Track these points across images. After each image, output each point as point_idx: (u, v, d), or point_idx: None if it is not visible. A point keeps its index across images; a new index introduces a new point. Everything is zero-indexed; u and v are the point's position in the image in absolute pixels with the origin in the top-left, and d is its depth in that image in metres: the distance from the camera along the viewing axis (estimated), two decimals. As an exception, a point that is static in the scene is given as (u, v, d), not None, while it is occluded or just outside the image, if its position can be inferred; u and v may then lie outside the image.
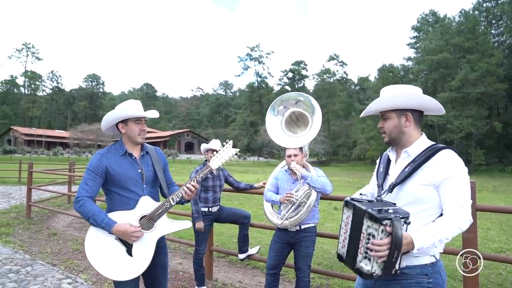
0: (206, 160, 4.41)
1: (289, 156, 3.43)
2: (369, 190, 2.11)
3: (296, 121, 3.67)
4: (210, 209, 4.24)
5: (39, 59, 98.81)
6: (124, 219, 2.31)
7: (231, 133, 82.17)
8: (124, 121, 2.44)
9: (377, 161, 2.06)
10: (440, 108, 1.83)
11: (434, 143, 1.80)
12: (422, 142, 1.82)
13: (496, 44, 53.19)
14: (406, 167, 1.76)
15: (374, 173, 2.05)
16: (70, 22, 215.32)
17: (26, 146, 63.45)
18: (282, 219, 3.38)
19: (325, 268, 5.12)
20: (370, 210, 1.56)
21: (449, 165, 1.69)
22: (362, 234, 1.59)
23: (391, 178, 1.84)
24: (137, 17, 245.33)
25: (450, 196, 1.65)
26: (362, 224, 1.59)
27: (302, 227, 3.39)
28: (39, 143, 68.24)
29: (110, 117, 2.44)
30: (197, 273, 4.20)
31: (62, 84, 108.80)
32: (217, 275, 4.91)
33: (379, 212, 1.54)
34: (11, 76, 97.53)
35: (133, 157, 2.47)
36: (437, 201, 1.70)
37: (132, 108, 2.45)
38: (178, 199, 2.40)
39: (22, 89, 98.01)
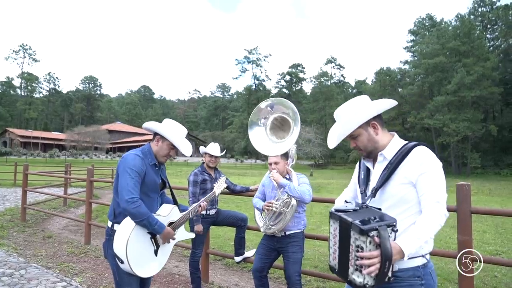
0: (203, 163, 4.41)
1: (270, 164, 3.41)
2: (350, 194, 2.11)
3: (280, 126, 3.58)
4: (208, 212, 4.23)
5: (36, 60, 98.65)
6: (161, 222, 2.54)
7: (229, 136, 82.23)
8: (163, 138, 2.59)
9: (356, 168, 2.07)
10: (393, 102, 1.88)
11: (407, 142, 1.83)
12: (395, 143, 1.85)
13: (491, 48, 53.66)
14: (384, 169, 1.80)
15: (355, 179, 2.06)
16: (67, 24, 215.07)
17: (22, 148, 63.15)
18: (265, 227, 3.38)
19: (321, 271, 5.11)
20: (356, 222, 1.53)
21: (423, 161, 1.72)
22: (351, 247, 1.56)
23: (372, 183, 1.85)
24: (135, 19, 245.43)
25: (426, 191, 1.68)
26: (349, 236, 1.56)
27: (287, 233, 3.33)
28: (35, 145, 67.90)
29: (156, 127, 2.59)
30: (194, 276, 4.18)
31: (59, 86, 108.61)
32: (213, 278, 4.89)
33: (364, 224, 1.51)
34: (7, 77, 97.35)
35: (157, 168, 2.64)
36: (417, 198, 1.73)
37: (178, 137, 2.62)
38: (195, 213, 2.85)
39: (18, 91, 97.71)
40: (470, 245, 2.78)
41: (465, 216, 2.82)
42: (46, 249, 6.10)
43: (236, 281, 4.85)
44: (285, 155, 3.43)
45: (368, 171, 1.93)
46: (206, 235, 4.56)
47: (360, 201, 1.87)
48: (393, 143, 1.84)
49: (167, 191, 2.87)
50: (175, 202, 2.80)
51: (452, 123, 43.30)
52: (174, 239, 2.62)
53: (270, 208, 3.28)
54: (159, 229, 2.45)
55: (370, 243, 1.49)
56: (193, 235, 2.94)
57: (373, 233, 1.49)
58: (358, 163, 2.06)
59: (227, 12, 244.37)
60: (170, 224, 2.63)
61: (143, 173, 2.48)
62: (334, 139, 1.92)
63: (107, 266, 5.23)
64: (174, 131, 2.61)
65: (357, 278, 1.55)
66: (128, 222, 2.42)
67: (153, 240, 2.54)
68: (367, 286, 1.52)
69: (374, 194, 1.78)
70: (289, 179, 3.37)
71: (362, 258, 1.50)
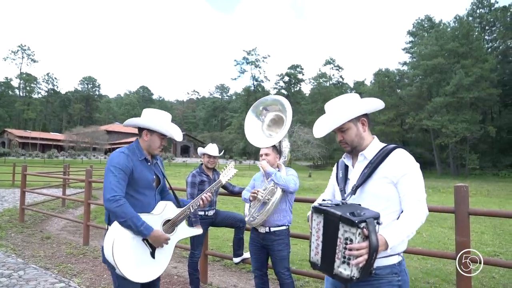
0: (201, 164, 4.42)
1: (261, 155, 3.48)
2: (328, 197, 2.15)
3: (275, 123, 3.70)
4: (207, 212, 4.23)
5: (34, 61, 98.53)
6: (152, 222, 2.36)
7: (227, 137, 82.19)
8: (150, 131, 2.48)
9: (334, 169, 2.12)
10: (382, 103, 1.96)
11: (386, 144, 1.92)
12: (375, 145, 1.93)
13: (489, 49, 53.87)
14: (365, 168, 1.86)
15: (333, 180, 2.11)
16: (66, 25, 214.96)
17: (20, 148, 63.02)
18: (249, 217, 3.40)
19: (319, 272, 5.11)
20: (345, 214, 1.56)
21: (403, 162, 1.81)
22: (338, 240, 1.58)
23: (352, 181, 1.90)
24: (134, 20, 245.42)
25: (408, 191, 1.77)
26: (337, 229, 1.58)
27: (272, 229, 3.32)
28: (34, 146, 67.83)
29: (139, 122, 2.49)
30: (192, 277, 4.19)
31: (57, 87, 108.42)
32: (212, 279, 4.89)
33: (353, 216, 1.55)
34: (6, 78, 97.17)
35: (149, 163, 2.53)
36: (397, 197, 1.80)
37: (166, 124, 2.51)
38: (196, 207, 2.60)
39: (17, 91, 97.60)
40: (468, 246, 2.79)
41: (463, 218, 2.83)
42: (45, 250, 6.10)
43: (234, 282, 4.85)
44: (277, 149, 3.50)
45: (346, 169, 1.99)
46: (205, 236, 4.57)
47: (339, 199, 1.91)
48: (373, 145, 1.93)
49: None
50: (175, 199, 2.70)
51: (451, 124, 43.40)
52: (166, 242, 2.38)
53: (256, 195, 3.32)
54: (145, 231, 2.25)
55: (359, 235, 1.53)
56: (200, 231, 2.76)
57: (363, 224, 1.53)
58: (336, 165, 2.11)
59: (226, 13, 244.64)
60: (166, 222, 2.47)
61: (128, 170, 2.35)
62: (323, 129, 1.94)
63: (105, 267, 5.22)
64: (159, 120, 2.50)
65: (344, 271, 1.57)
66: (116, 223, 2.28)
67: (146, 241, 2.35)
68: (354, 278, 1.56)
69: (354, 191, 1.84)
70: (278, 171, 3.40)
71: (351, 250, 1.53)
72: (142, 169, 2.45)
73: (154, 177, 2.55)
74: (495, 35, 54.95)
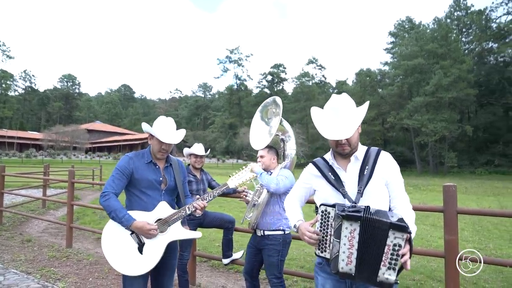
0: (189, 165, 4.37)
1: (257, 157, 3.49)
2: (299, 200, 2.18)
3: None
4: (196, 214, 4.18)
5: (10, 57, 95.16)
6: (142, 218, 2.49)
7: (210, 136, 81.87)
8: (151, 135, 2.65)
9: (310, 172, 2.08)
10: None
11: (367, 146, 2.02)
12: (361, 146, 2.01)
13: (466, 51, 55.27)
14: (363, 170, 1.90)
15: (308, 183, 2.09)
16: (44, 20, 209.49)
17: (-4, 148, 61.08)
18: (243, 218, 3.48)
19: (307, 271, 5.14)
20: (395, 221, 1.57)
21: (392, 164, 1.95)
22: (387, 247, 1.58)
23: (350, 183, 1.91)
24: (116, 17, 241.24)
25: (399, 192, 1.92)
26: (387, 236, 1.58)
27: (266, 233, 3.29)
28: (11, 145, 65.80)
29: (144, 127, 2.66)
30: (181, 279, 4.14)
31: (35, 84, 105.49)
32: (200, 280, 4.85)
33: (401, 221, 1.58)
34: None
35: (157, 166, 2.67)
36: (387, 195, 1.92)
37: (158, 129, 2.61)
38: (191, 211, 2.61)
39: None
40: (456, 245, 2.86)
41: (451, 216, 2.89)
42: (26, 253, 5.92)
43: (223, 282, 4.83)
44: (274, 151, 3.47)
45: (335, 172, 1.96)
46: (193, 238, 4.52)
47: (346, 202, 1.87)
48: (360, 146, 2.00)
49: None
50: (179, 205, 2.78)
51: (430, 123, 44.38)
52: (151, 233, 2.44)
53: (245, 195, 3.42)
54: (126, 222, 2.41)
55: (404, 240, 1.57)
56: (199, 234, 2.76)
57: (410, 229, 1.59)
58: (313, 167, 2.06)
59: (209, 11, 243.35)
60: (158, 220, 2.54)
61: (128, 171, 2.56)
62: (348, 129, 1.87)
63: (91, 270, 5.12)
64: (156, 125, 2.64)
65: (389, 276, 1.59)
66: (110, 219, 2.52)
67: (135, 236, 2.49)
68: (395, 282, 1.60)
69: (362, 193, 1.85)
70: (270, 174, 3.37)
71: (399, 255, 1.57)
72: (145, 171, 2.61)
73: (161, 179, 2.66)
74: (471, 37, 56.45)
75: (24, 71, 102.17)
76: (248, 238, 6.95)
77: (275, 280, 3.28)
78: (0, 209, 8.27)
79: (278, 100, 3.51)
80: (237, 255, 4.49)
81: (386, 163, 1.93)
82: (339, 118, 1.91)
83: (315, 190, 2.08)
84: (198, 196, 2.72)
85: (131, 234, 2.49)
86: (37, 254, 5.88)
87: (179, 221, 2.59)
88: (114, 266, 2.47)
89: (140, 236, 2.49)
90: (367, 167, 1.89)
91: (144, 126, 2.66)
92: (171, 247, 2.67)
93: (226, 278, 5.03)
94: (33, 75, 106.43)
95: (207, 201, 2.69)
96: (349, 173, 1.93)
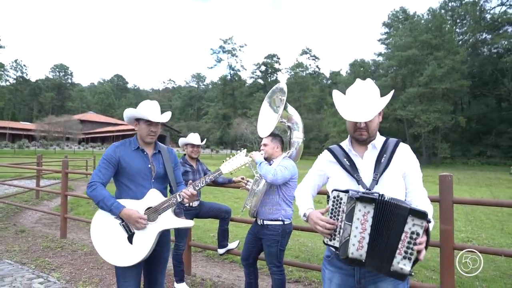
0: (185, 155, 4.35)
1: (261, 145, 3.46)
2: (311, 188, 2.10)
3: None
4: (191, 203, 4.17)
5: (1, 47, 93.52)
6: (131, 206, 2.42)
7: (204, 126, 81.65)
8: (137, 120, 2.57)
9: (325, 158, 2.03)
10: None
11: (386, 137, 1.96)
12: (379, 136, 1.95)
13: (460, 42, 55.35)
14: (380, 158, 1.84)
15: (323, 169, 2.03)
16: (36, 9, 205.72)
17: (-12, 138, 60.36)
18: (243, 206, 3.48)
19: (302, 261, 5.17)
20: (414, 207, 1.51)
21: (411, 157, 1.89)
22: (404, 234, 1.50)
23: (365, 171, 1.85)
24: (108, 6, 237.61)
25: (417, 186, 1.85)
26: (405, 223, 1.51)
27: (265, 222, 3.27)
28: (2, 136, 64.99)
29: (126, 114, 2.58)
30: (177, 269, 4.14)
31: (27, 74, 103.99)
32: (195, 270, 4.85)
33: (421, 209, 1.51)
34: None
35: (145, 153, 2.60)
36: (403, 188, 1.85)
37: (144, 110, 2.54)
38: (181, 199, 2.50)
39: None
40: (451, 234, 2.88)
41: (447, 206, 2.91)
42: (20, 244, 5.88)
43: (218, 272, 4.84)
44: (278, 139, 3.42)
45: (351, 159, 1.91)
46: (189, 228, 4.52)
47: (360, 189, 1.81)
48: (378, 136, 1.94)
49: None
50: (172, 193, 2.67)
51: (423, 114, 44.57)
52: (140, 222, 2.36)
53: (245, 183, 3.45)
54: (115, 210, 2.35)
55: (423, 228, 1.49)
56: (191, 223, 2.61)
57: (429, 218, 1.52)
58: (328, 153, 2.00)
59: (203, 1, 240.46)
60: (148, 209, 2.46)
61: (114, 159, 2.49)
62: (369, 113, 1.81)
63: (86, 260, 5.10)
64: (141, 107, 2.58)
65: (404, 266, 1.51)
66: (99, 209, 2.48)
67: (124, 225, 2.42)
68: (410, 273, 1.51)
69: (377, 181, 1.80)
70: (272, 163, 3.35)
71: (417, 244, 1.49)
72: (132, 159, 2.53)
73: (150, 166, 2.57)
74: (465, 28, 56.47)
75: (15, 61, 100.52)
76: (243, 228, 6.99)
77: (275, 268, 3.30)
78: (-7, 200, 8.20)
79: (285, 87, 3.44)
80: (232, 245, 4.49)
81: (405, 154, 1.87)
82: (361, 101, 1.85)
83: (328, 178, 2.01)
84: (190, 181, 2.61)
85: (121, 223, 2.42)
86: (31, 245, 5.84)
87: (170, 209, 2.49)
88: (104, 257, 2.42)
89: (130, 225, 2.42)
90: (384, 155, 1.84)
91: (128, 111, 2.56)
92: (163, 240, 2.60)
93: (221, 268, 5.05)
94: (24, 65, 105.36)
95: (199, 187, 2.56)
96: (366, 161, 1.88)
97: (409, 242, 1.50)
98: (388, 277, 1.64)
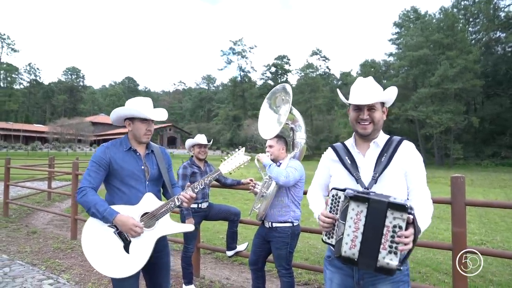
0: (192, 156, 4.34)
1: (266, 147, 3.43)
2: (321, 186, 2.12)
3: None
4: (200, 205, 4.16)
5: (15, 50, 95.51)
6: (126, 213, 2.24)
7: (214, 128, 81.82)
8: (131, 119, 2.40)
9: (328, 156, 2.04)
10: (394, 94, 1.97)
11: (390, 135, 1.95)
12: (383, 134, 1.95)
13: (473, 41, 54.49)
14: (381, 157, 1.83)
15: (327, 168, 2.04)
16: (48, 13, 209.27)
17: (3, 141, 61.49)
18: (251, 210, 3.42)
19: (312, 263, 5.12)
20: (393, 200, 1.49)
21: (414, 155, 1.86)
22: (385, 228, 1.50)
23: (365, 169, 1.85)
24: (120, 10, 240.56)
25: (419, 184, 1.83)
26: (385, 217, 1.50)
27: (274, 225, 3.23)
28: (16, 138, 66.24)
29: (118, 113, 2.39)
30: (186, 272, 4.13)
31: (40, 77, 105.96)
32: (204, 272, 4.84)
33: (400, 201, 1.49)
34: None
35: (137, 154, 2.43)
36: (405, 187, 1.83)
37: (140, 107, 2.37)
38: (179, 202, 2.36)
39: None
40: (464, 237, 2.80)
41: (460, 208, 2.84)
42: (31, 245, 5.95)
43: (227, 274, 4.82)
44: (284, 141, 3.39)
45: (352, 157, 1.91)
46: (198, 230, 4.51)
47: (358, 188, 1.80)
48: (382, 134, 1.95)
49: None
50: (165, 195, 2.58)
51: (435, 115, 43.95)
52: (135, 229, 2.19)
53: (253, 187, 3.38)
54: (108, 216, 2.16)
55: (404, 221, 1.48)
56: (191, 228, 2.48)
57: (411, 210, 1.50)
58: (331, 151, 2.02)
59: (212, 3, 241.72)
60: (145, 214, 2.29)
61: (104, 161, 2.31)
62: (371, 96, 1.84)
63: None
64: (132, 105, 2.39)
65: (390, 261, 1.50)
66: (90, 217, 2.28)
67: (119, 234, 2.24)
68: (397, 268, 1.50)
69: (376, 180, 1.79)
70: (279, 164, 3.31)
71: (400, 237, 1.48)
72: (125, 160, 2.36)
73: (143, 167, 2.41)
74: (478, 27, 55.53)
75: (29, 64, 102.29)
76: (252, 230, 6.94)
77: (284, 271, 3.26)
78: (6, 201, 8.32)
79: (288, 87, 3.37)
80: (241, 247, 4.46)
81: (408, 152, 1.84)
82: (363, 87, 1.89)
83: (330, 176, 2.01)
84: (188, 184, 2.46)
85: (115, 231, 2.24)
86: (42, 246, 5.91)
87: (168, 214, 2.34)
88: (99, 269, 2.22)
89: (125, 233, 2.24)
90: (385, 154, 1.82)
91: (120, 110, 2.36)
92: (161, 245, 2.42)
93: (230, 270, 5.02)
94: (37, 68, 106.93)
95: (197, 189, 2.40)
96: (367, 159, 1.87)
97: (392, 236, 1.49)
98: (387, 279, 1.66)
